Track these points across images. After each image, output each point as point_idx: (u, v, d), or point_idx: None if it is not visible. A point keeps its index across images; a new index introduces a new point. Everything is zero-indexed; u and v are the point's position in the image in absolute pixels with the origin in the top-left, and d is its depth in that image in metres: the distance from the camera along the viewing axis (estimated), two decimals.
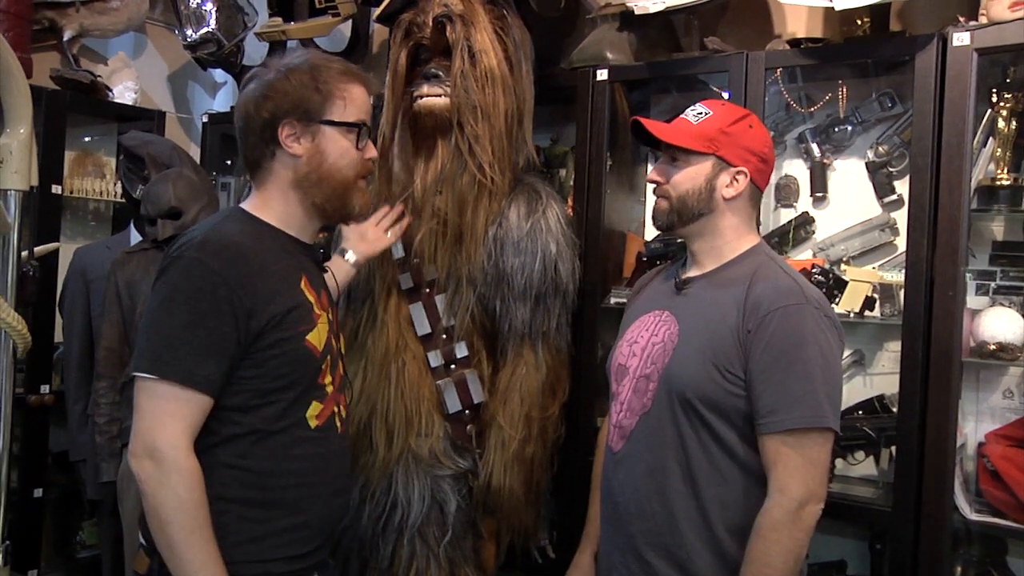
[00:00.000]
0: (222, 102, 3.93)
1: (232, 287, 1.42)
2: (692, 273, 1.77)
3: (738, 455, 1.61)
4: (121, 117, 3.49)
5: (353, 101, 1.56)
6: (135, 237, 2.93)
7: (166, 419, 1.41)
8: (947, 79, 2.00)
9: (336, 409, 1.60)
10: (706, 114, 1.72)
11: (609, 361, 1.87)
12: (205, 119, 3.58)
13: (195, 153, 3.57)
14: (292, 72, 1.52)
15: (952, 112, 1.99)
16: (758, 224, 2.22)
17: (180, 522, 1.39)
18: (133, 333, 2.63)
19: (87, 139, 3.59)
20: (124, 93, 3.38)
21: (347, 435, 1.69)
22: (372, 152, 1.62)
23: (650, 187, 2.72)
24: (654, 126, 1.74)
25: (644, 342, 1.76)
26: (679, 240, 2.52)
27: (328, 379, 1.57)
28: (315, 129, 1.52)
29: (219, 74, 3.90)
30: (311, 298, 1.55)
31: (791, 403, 1.53)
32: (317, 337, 1.53)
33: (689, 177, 1.70)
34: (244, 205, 1.60)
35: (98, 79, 3.27)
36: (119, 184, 3.22)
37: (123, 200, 3.20)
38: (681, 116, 1.76)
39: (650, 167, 2.77)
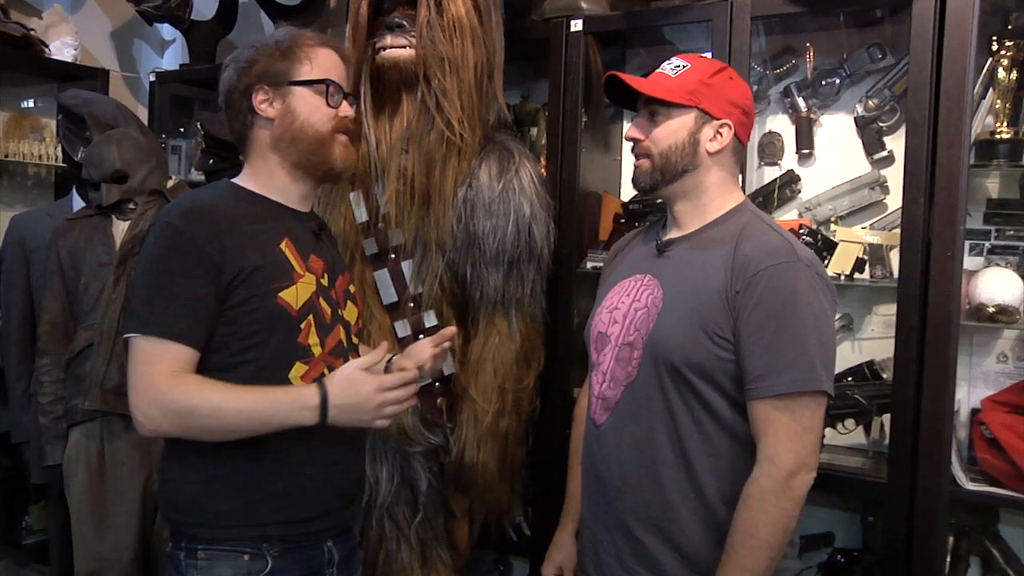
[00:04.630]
0: (171, 60, 3.76)
1: (199, 245, 1.48)
2: (674, 234, 1.67)
3: (727, 422, 1.54)
4: (61, 76, 3.30)
5: (320, 62, 1.61)
6: (78, 203, 2.77)
7: (152, 368, 1.45)
8: (946, 26, 1.89)
9: (327, 372, 1.57)
10: (684, 67, 1.63)
11: (587, 329, 1.78)
12: (152, 78, 3.42)
13: (142, 115, 3.41)
14: (262, 46, 1.62)
15: (951, 62, 1.88)
16: (742, 183, 2.12)
17: (209, 413, 1.44)
18: (77, 305, 2.51)
19: (25, 101, 3.40)
20: (62, 49, 3.18)
21: None
22: (347, 110, 1.64)
23: (627, 147, 2.67)
24: (632, 80, 1.65)
25: (626, 308, 1.67)
26: (659, 201, 2.41)
27: (314, 340, 1.58)
28: (285, 91, 1.59)
29: (167, 30, 3.73)
30: (292, 259, 1.58)
31: (782, 366, 1.46)
32: (293, 295, 1.55)
33: (671, 132, 1.61)
34: (234, 179, 1.66)
35: (32, 33, 3.06)
36: (60, 147, 3.04)
37: (64, 164, 3.05)
38: (657, 70, 1.66)
39: (627, 124, 2.67)
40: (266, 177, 1.62)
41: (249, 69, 1.59)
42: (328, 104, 1.60)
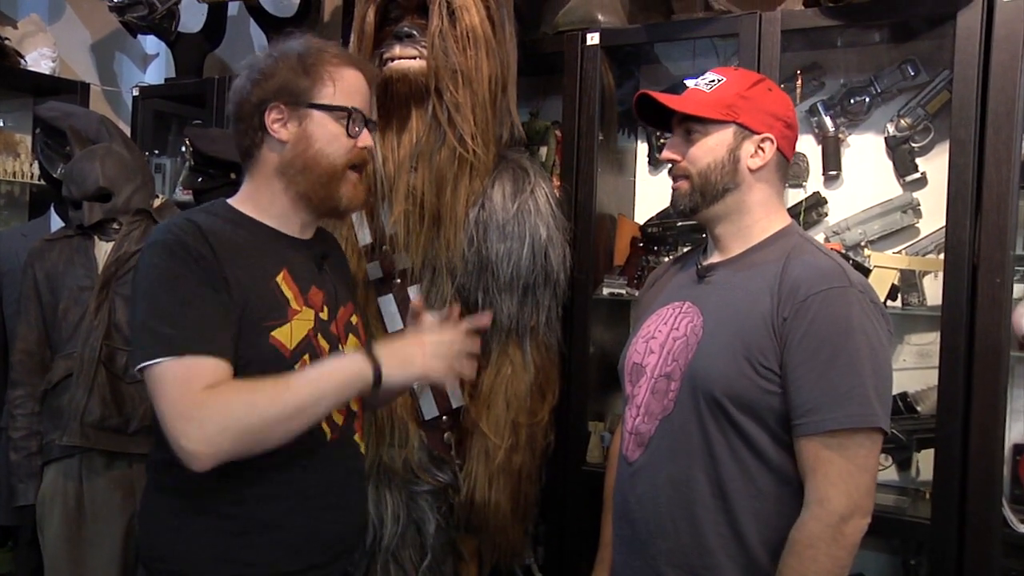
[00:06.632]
0: (153, 75, 3.62)
1: (207, 260, 1.37)
2: (715, 259, 1.57)
3: (773, 462, 1.42)
4: (37, 89, 3.15)
5: (345, 85, 1.49)
6: (56, 223, 2.61)
7: (194, 386, 1.30)
8: (994, 39, 1.81)
9: None
10: (719, 80, 1.54)
11: (621, 361, 1.66)
12: (136, 93, 3.27)
13: (124, 131, 3.21)
14: (282, 56, 1.48)
15: (1000, 76, 1.80)
16: None
17: (269, 402, 1.30)
18: (55, 333, 2.33)
19: None
20: (39, 61, 3.03)
21: (344, 443, 1.53)
22: (366, 140, 1.52)
23: (642, 168, 2.57)
24: (665, 98, 1.55)
25: (663, 337, 1.55)
26: (679, 224, 2.30)
27: None
28: (302, 113, 1.46)
29: (151, 44, 3.60)
30: (289, 293, 1.46)
31: (834, 400, 1.35)
32: (287, 335, 1.43)
33: (708, 149, 1.51)
34: (229, 199, 1.54)
35: (6, 43, 2.90)
36: (36, 164, 2.90)
37: (41, 182, 2.90)
38: (692, 87, 1.57)
39: (641, 144, 2.57)
40: (266, 202, 1.50)
41: (265, 81, 1.46)
42: (348, 134, 1.48)
